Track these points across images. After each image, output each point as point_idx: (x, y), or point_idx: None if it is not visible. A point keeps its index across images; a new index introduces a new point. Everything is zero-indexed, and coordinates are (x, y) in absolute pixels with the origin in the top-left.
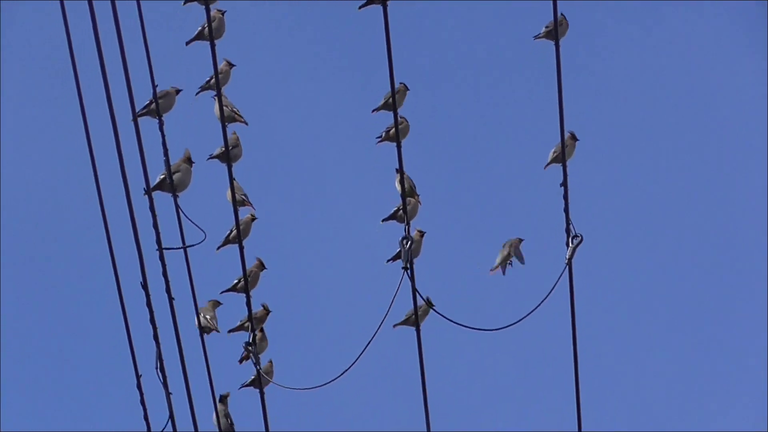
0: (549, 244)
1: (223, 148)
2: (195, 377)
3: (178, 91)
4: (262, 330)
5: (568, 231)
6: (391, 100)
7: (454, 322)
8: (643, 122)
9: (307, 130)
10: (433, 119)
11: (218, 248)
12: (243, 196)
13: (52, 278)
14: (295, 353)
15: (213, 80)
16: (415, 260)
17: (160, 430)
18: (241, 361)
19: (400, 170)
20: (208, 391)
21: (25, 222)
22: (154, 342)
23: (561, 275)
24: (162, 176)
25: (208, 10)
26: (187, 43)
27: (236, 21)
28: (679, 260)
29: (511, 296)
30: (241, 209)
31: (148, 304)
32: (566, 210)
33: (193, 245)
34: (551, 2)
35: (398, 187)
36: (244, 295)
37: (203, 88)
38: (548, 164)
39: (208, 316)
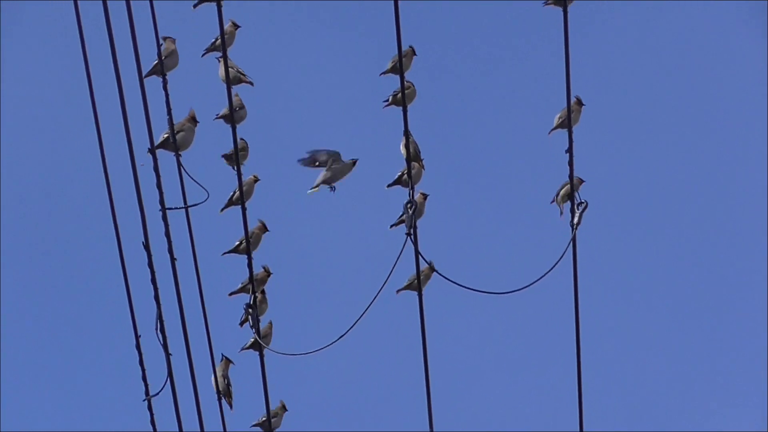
0: (554, 210)
1: (228, 109)
2: (195, 339)
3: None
4: (263, 292)
5: (572, 197)
6: (398, 63)
7: (459, 284)
8: (649, 91)
9: (313, 92)
10: (439, 84)
11: (222, 210)
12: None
13: (54, 237)
14: (296, 317)
15: (218, 41)
16: (418, 223)
17: (158, 390)
18: (241, 324)
19: (405, 134)
20: (208, 354)
21: (27, 180)
22: (154, 302)
23: (569, 243)
24: (165, 135)
25: None
26: (195, 6)
27: None
28: (681, 245)
29: (513, 262)
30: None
31: (150, 265)
32: (571, 176)
33: (195, 205)
34: None
35: (403, 151)
36: (246, 256)
37: (209, 50)
38: (553, 129)
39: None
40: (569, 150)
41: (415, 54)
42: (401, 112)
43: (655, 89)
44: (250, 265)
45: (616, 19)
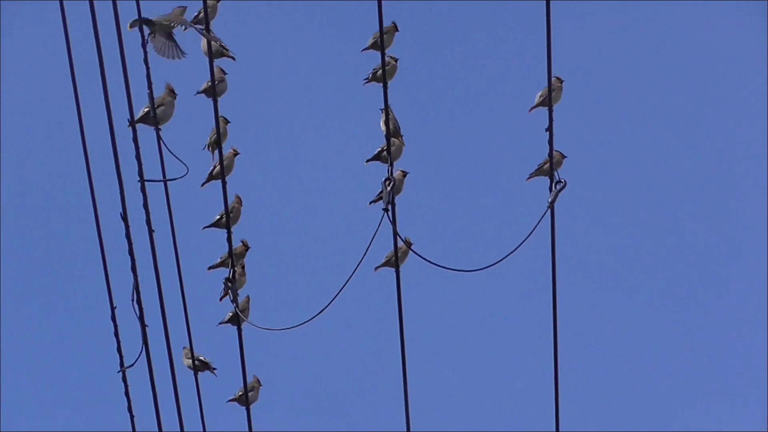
0: (533, 188)
1: (210, 83)
2: (173, 312)
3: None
4: (242, 266)
5: (551, 176)
6: (379, 40)
7: (431, 262)
8: (634, 70)
9: (294, 67)
10: (421, 61)
11: (203, 184)
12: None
13: (31, 206)
14: (274, 291)
15: (201, 14)
16: (397, 200)
17: (133, 362)
18: (221, 299)
19: (385, 110)
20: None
21: (4, 149)
22: (131, 274)
23: (542, 218)
24: (146, 109)
25: None
26: None
27: None
28: (663, 229)
29: (492, 239)
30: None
31: (128, 236)
32: (550, 155)
33: (175, 179)
34: None
35: (383, 127)
36: (225, 231)
37: (192, 23)
38: (534, 107)
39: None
40: (549, 129)
41: (397, 30)
42: (382, 88)
43: (648, 82)
44: (229, 240)
45: (617, 17)
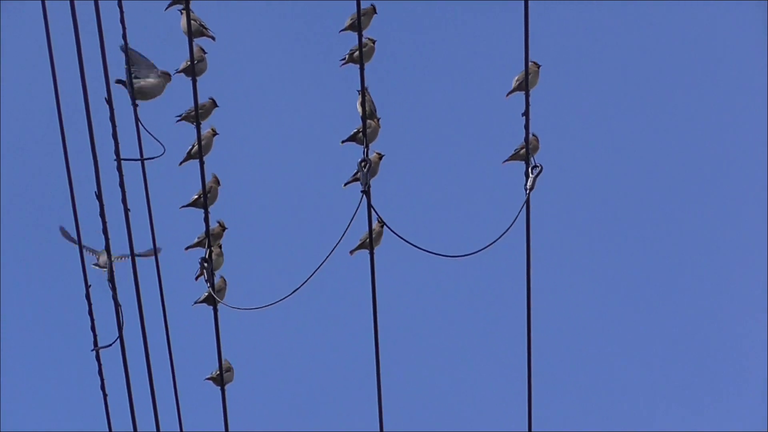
0: (509, 173)
1: (188, 62)
2: (149, 293)
3: None
4: (220, 246)
5: (527, 161)
6: (356, 21)
7: (411, 244)
8: (626, 63)
9: (271, 47)
10: (399, 43)
11: (180, 163)
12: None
13: (5, 183)
14: (250, 272)
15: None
16: (372, 182)
17: (110, 343)
18: (197, 278)
19: (362, 92)
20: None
21: None
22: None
23: (522, 206)
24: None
25: None
26: None
27: None
28: (640, 214)
29: (467, 224)
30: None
31: (102, 215)
32: (527, 140)
33: (152, 158)
34: None
35: (359, 108)
36: (203, 211)
37: (172, 3)
38: (511, 92)
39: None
40: (526, 113)
41: (375, 12)
42: (359, 70)
43: (638, 74)
44: (206, 219)
45: (616, 15)
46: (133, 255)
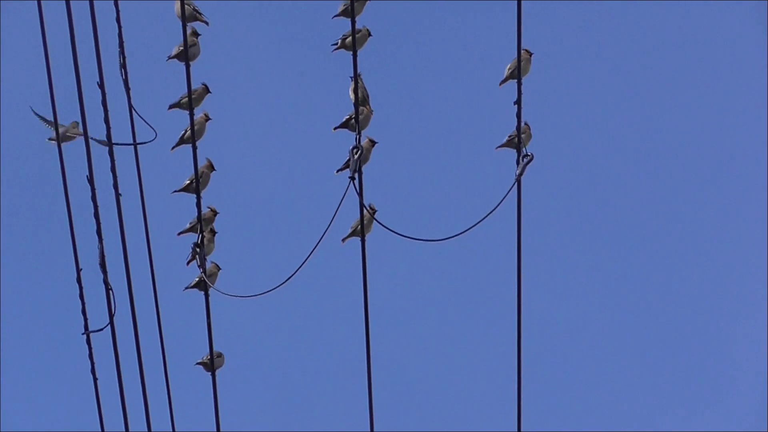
0: (501, 161)
1: (181, 47)
2: (141, 277)
3: None
4: (212, 232)
5: (519, 149)
6: (350, 7)
7: (394, 232)
8: (625, 60)
9: (264, 33)
10: (392, 30)
11: (173, 148)
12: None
13: None
14: (242, 258)
15: None
16: (364, 169)
17: (102, 327)
18: (188, 263)
19: (354, 78)
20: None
21: None
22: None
23: (509, 191)
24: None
25: None
26: None
27: None
28: (630, 204)
29: (459, 211)
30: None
31: (93, 199)
32: (518, 128)
33: (143, 143)
34: None
35: (352, 95)
36: (195, 196)
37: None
38: (504, 81)
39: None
40: (518, 101)
41: None
42: (351, 56)
43: (636, 70)
44: (198, 205)
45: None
46: (123, 237)
